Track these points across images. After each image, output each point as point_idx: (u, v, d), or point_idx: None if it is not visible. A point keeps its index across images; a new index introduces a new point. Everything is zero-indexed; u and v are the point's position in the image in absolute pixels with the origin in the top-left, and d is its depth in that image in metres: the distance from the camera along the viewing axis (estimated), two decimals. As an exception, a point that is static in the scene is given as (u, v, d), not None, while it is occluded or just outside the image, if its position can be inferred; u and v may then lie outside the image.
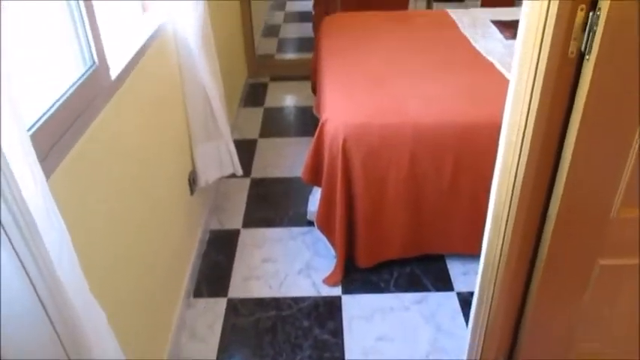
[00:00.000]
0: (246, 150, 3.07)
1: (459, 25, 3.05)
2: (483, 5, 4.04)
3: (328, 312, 2.03)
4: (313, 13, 4.38)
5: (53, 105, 1.09)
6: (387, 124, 2.01)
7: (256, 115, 3.55)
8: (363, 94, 2.21)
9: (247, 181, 2.82)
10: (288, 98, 3.82)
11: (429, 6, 4.03)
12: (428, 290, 2.12)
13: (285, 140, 3.23)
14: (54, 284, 0.82)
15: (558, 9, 1.03)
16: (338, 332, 1.95)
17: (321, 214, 2.13)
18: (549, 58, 1.08)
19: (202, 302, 2.08)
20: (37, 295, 0.81)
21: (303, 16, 5.31)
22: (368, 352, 1.87)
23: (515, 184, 1.29)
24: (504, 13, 3.25)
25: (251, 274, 2.21)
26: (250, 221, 2.53)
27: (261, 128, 3.38)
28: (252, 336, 1.94)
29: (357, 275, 2.19)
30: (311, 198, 2.49)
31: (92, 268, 1.22)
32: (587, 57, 1.06)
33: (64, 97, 1.13)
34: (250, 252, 2.33)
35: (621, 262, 1.33)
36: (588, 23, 1.04)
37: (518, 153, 1.24)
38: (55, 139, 1.07)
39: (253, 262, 2.27)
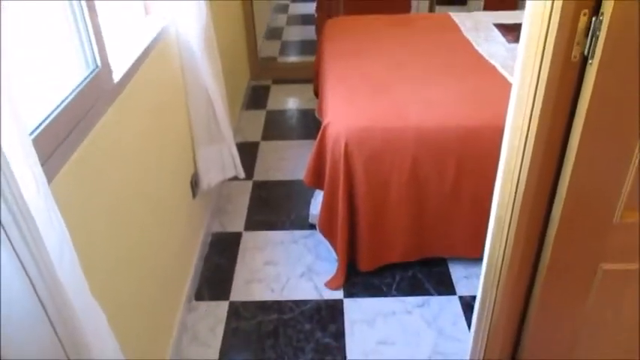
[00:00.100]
0: (248, 153, 3.07)
1: (462, 28, 3.05)
2: (486, 8, 4.04)
3: (330, 315, 2.02)
4: (316, 16, 4.39)
5: (56, 108, 1.09)
6: (389, 128, 2.00)
7: (258, 117, 3.55)
8: (365, 98, 2.21)
9: (249, 184, 2.82)
10: (290, 101, 3.83)
11: (431, 9, 4.03)
12: (430, 294, 2.11)
13: (288, 143, 3.23)
14: (54, 285, 0.82)
15: (561, 13, 1.03)
16: (340, 336, 1.94)
17: (323, 217, 2.13)
18: (552, 63, 1.08)
19: (204, 305, 2.08)
20: (38, 296, 0.81)
21: (305, 19, 5.31)
22: (369, 355, 1.87)
23: (518, 189, 1.28)
24: (507, 17, 3.25)
25: (253, 277, 2.21)
26: (252, 224, 2.53)
27: (263, 131, 3.38)
28: (254, 339, 1.93)
29: (358, 279, 2.18)
30: (313, 201, 2.49)
31: (94, 270, 1.22)
32: (590, 61, 1.06)
33: (67, 100, 1.13)
34: (252, 255, 2.33)
35: (624, 266, 1.32)
36: (591, 28, 1.04)
37: (520, 157, 1.24)
38: (57, 141, 1.07)
39: (255, 265, 2.27)
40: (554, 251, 1.31)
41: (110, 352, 0.98)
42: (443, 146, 1.99)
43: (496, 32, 2.98)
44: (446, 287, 2.15)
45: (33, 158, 0.76)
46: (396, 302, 2.08)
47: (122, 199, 1.41)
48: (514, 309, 1.53)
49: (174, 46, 1.95)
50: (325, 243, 2.25)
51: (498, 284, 1.50)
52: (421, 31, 3.08)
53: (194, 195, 2.19)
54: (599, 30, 1.02)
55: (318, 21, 4.27)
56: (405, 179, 2.01)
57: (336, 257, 2.19)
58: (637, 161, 1.16)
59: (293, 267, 2.26)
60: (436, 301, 2.08)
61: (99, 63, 1.29)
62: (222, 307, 2.07)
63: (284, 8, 5.71)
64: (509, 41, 2.82)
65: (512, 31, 2.93)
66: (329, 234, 2.17)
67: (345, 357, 1.86)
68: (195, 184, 2.19)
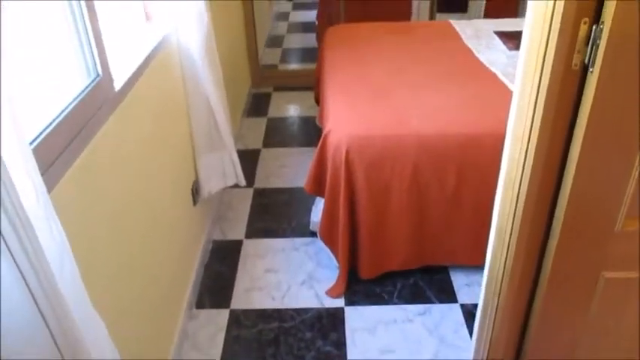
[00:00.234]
0: (249, 160, 3.07)
1: (462, 36, 3.06)
2: (486, 16, 4.05)
3: (331, 324, 2.02)
4: (317, 23, 4.41)
5: (57, 117, 1.09)
6: (390, 136, 2.00)
7: (259, 125, 3.56)
8: (366, 105, 2.21)
9: (250, 191, 2.82)
10: (291, 108, 3.83)
11: (432, 17, 4.05)
12: (431, 302, 2.11)
13: (288, 150, 3.23)
14: (54, 296, 0.81)
15: (561, 22, 1.03)
16: (341, 344, 1.93)
17: (324, 225, 2.13)
18: (553, 71, 1.08)
19: (205, 313, 2.07)
20: (37, 306, 0.81)
21: (306, 27, 5.33)
22: (371, 364, 1.86)
23: (519, 198, 1.28)
24: (507, 24, 3.26)
25: (253, 285, 2.21)
26: (253, 231, 2.52)
27: (264, 138, 3.38)
28: (255, 348, 1.93)
29: (360, 286, 2.18)
30: (314, 208, 2.49)
31: (94, 278, 1.21)
32: (590, 70, 1.06)
33: (68, 109, 1.13)
34: (253, 262, 2.33)
35: (626, 275, 1.32)
36: (592, 36, 1.04)
37: (521, 166, 1.24)
38: (59, 150, 1.07)
39: (256, 273, 2.27)
40: (555, 260, 1.31)
41: (110, 361, 0.98)
42: (443, 153, 1.99)
43: (497, 40, 2.98)
44: (447, 295, 2.14)
45: (33, 168, 0.76)
46: (398, 310, 2.07)
47: (123, 206, 1.41)
48: (515, 317, 1.53)
49: (176, 54, 1.96)
50: (326, 250, 2.24)
51: (500, 293, 1.50)
52: (422, 39, 3.09)
53: (195, 202, 2.19)
54: (600, 38, 1.02)
55: (318, 28, 4.28)
56: (406, 186, 2.01)
57: (337, 265, 2.18)
58: (638, 170, 1.16)
59: (294, 275, 2.25)
60: (437, 309, 2.07)
61: (100, 71, 1.30)
62: (222, 315, 2.06)
63: (285, 16, 5.74)
64: (509, 49, 2.82)
65: (512, 39, 2.93)
66: (330, 241, 2.17)
67: (346, 365, 1.86)
68: (195, 191, 2.19)
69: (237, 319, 2.04)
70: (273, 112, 3.75)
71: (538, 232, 1.34)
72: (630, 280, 1.33)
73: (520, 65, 1.16)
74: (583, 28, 1.04)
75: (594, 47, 1.04)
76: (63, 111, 1.12)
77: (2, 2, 0.90)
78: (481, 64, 2.62)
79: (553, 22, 1.05)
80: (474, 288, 2.16)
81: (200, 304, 2.12)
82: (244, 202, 2.74)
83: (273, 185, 2.88)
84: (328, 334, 1.97)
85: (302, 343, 1.94)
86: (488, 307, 1.57)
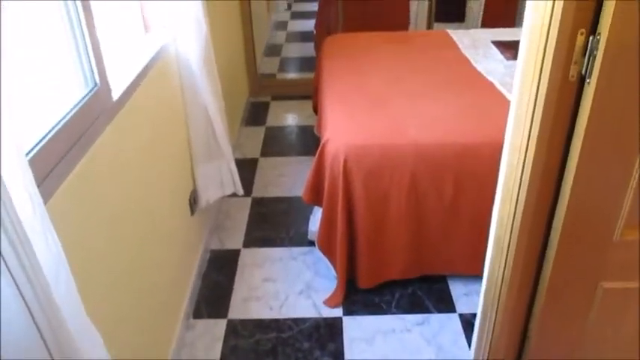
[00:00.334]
0: (247, 169, 3.07)
1: (460, 45, 3.07)
2: (484, 26, 4.07)
3: (329, 334, 2.01)
4: (315, 33, 4.42)
5: (54, 127, 1.09)
6: (388, 145, 2.01)
7: (258, 134, 3.56)
8: (364, 115, 2.22)
9: (248, 200, 2.81)
10: (289, 117, 3.84)
11: (429, 26, 4.07)
12: (430, 312, 2.10)
13: (287, 159, 3.23)
14: (50, 308, 0.81)
15: (558, 33, 1.03)
16: (339, 354, 1.92)
17: (322, 234, 2.12)
18: (550, 82, 1.08)
19: (202, 323, 2.06)
20: (33, 318, 0.80)
21: (304, 36, 5.35)
22: (369, 375, 1.85)
23: (517, 207, 1.28)
24: (505, 34, 3.27)
25: (251, 294, 2.20)
26: (251, 241, 2.52)
27: (262, 147, 3.38)
28: (252, 358, 1.91)
29: (358, 296, 2.17)
30: (312, 218, 2.49)
31: (92, 288, 1.21)
32: (587, 81, 1.06)
33: (66, 119, 1.13)
34: (251, 272, 2.32)
35: (624, 285, 1.32)
36: (588, 47, 1.04)
37: (519, 176, 1.24)
38: (56, 160, 1.07)
39: (254, 283, 2.26)
40: (554, 270, 1.31)
41: (106, 373, 0.97)
42: (441, 163, 1.99)
43: (494, 49, 2.99)
44: (446, 305, 2.13)
45: (29, 179, 0.76)
46: (396, 320, 2.06)
47: (120, 216, 1.41)
48: (514, 327, 1.52)
49: (174, 63, 1.96)
50: (324, 260, 2.24)
51: (498, 303, 1.49)
52: (419, 49, 3.10)
53: (192, 212, 2.18)
54: (597, 49, 1.03)
55: (317, 38, 4.30)
56: (404, 196, 2.01)
57: (335, 274, 2.17)
58: (636, 179, 1.16)
59: (292, 284, 2.24)
60: (436, 319, 2.06)
61: (98, 81, 1.30)
62: (220, 325, 2.05)
63: (283, 25, 5.76)
64: (507, 58, 2.83)
65: (510, 49, 2.94)
66: (328, 251, 2.16)
67: (344, 376, 1.85)
68: (193, 201, 2.18)
69: (235, 329, 2.03)
70: (271, 121, 3.75)
71: (536, 242, 1.34)
72: (629, 290, 1.33)
73: (517, 76, 1.17)
74: (580, 39, 1.05)
75: (591, 58, 1.04)
76: (60, 121, 1.12)
77: (2, 2, 0.90)
78: (478, 73, 2.63)
79: (550, 33, 1.05)
80: (473, 297, 2.15)
81: (197, 314, 2.11)
82: (242, 211, 2.73)
83: (271, 194, 2.88)
84: (326, 344, 1.96)
85: (300, 354, 1.92)
86: (486, 317, 1.57)
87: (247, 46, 3.87)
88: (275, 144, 3.44)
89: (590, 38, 1.04)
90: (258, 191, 2.90)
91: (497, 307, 1.51)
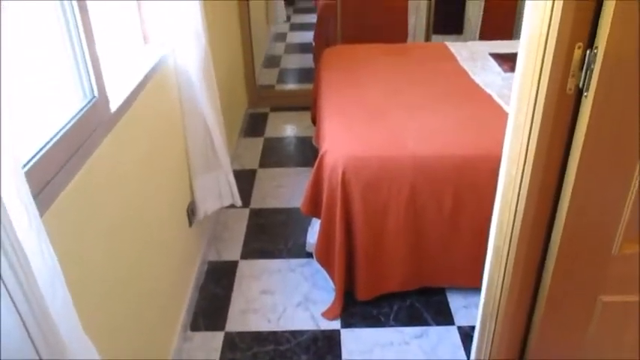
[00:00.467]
0: (245, 180, 3.07)
1: (458, 57, 3.08)
2: (482, 38, 4.09)
3: (327, 346, 1.99)
4: (314, 44, 4.44)
5: (52, 138, 1.09)
6: (387, 156, 2.01)
7: (256, 145, 3.56)
8: (362, 126, 2.22)
9: (246, 212, 2.81)
10: (288, 128, 3.84)
11: (427, 38, 4.09)
12: (428, 324, 2.09)
13: (285, 170, 3.23)
14: (45, 322, 0.80)
15: (555, 47, 1.04)
16: (337, 367, 1.91)
17: (320, 246, 2.12)
18: (547, 95, 1.08)
19: (199, 335, 2.05)
20: (28, 332, 0.80)
21: (303, 48, 5.37)
22: (367, 388, 1.84)
23: (516, 219, 1.28)
24: (503, 46, 3.29)
25: (249, 306, 2.18)
26: (249, 252, 2.51)
27: (260, 158, 3.38)
28: (250, 371, 1.90)
29: (356, 308, 2.16)
30: (310, 229, 2.48)
31: (88, 300, 1.20)
32: (585, 94, 1.07)
33: (63, 131, 1.13)
34: (248, 284, 2.31)
35: (624, 298, 1.31)
36: (586, 61, 1.05)
37: (518, 188, 1.24)
38: (53, 172, 1.06)
39: (251, 295, 2.24)
40: (553, 283, 1.30)
41: (101, 388, 0.96)
42: (440, 175, 1.99)
43: (492, 62, 3.01)
44: (444, 317, 2.12)
45: (25, 192, 0.76)
46: (394, 333, 2.05)
47: (117, 228, 1.40)
48: (513, 340, 1.51)
49: (173, 75, 1.96)
50: (322, 272, 2.23)
51: (497, 315, 1.48)
52: (418, 61, 3.11)
53: (190, 223, 2.18)
54: (594, 63, 1.03)
55: (315, 49, 4.32)
56: (403, 208, 2.00)
57: (333, 286, 2.16)
58: (635, 193, 1.16)
59: (290, 296, 2.23)
60: (434, 332, 2.05)
61: (96, 93, 1.30)
62: (217, 338, 2.03)
63: (282, 37, 5.78)
64: (505, 70, 2.84)
65: (507, 61, 2.96)
66: (326, 263, 2.15)
67: (342, 389, 1.83)
68: (191, 212, 2.18)
69: (232, 341, 2.02)
70: (269, 132, 3.76)
71: (535, 253, 1.33)
72: (628, 304, 1.32)
73: (515, 89, 1.17)
74: (577, 53, 1.05)
75: (588, 72, 1.05)
76: (58, 132, 1.12)
77: (2, 2, 0.91)
78: (477, 85, 2.64)
79: (547, 46, 1.05)
80: (472, 310, 2.14)
81: (195, 326, 2.09)
82: (240, 222, 2.73)
83: (270, 205, 2.87)
84: (324, 357, 1.95)
85: (298, 367, 1.91)
86: (485, 330, 1.56)
87: (246, 57, 3.88)
88: (273, 155, 3.44)
89: (588, 52, 1.05)
90: (256, 202, 2.90)
91: (497, 318, 1.50)
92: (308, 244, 2.44)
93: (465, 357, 1.94)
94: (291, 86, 4.71)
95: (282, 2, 5.55)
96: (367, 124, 2.24)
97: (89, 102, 1.26)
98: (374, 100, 2.48)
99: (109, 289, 1.34)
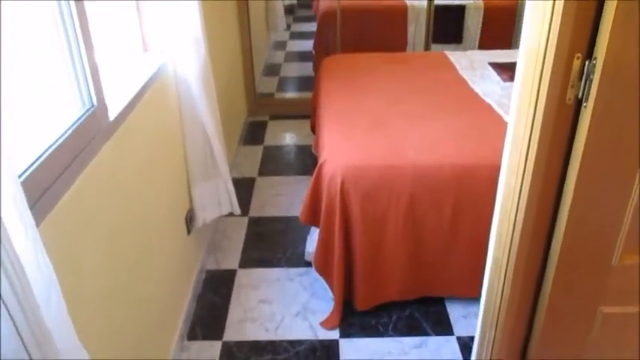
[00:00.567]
0: (244, 188, 3.06)
1: (457, 66, 3.09)
2: (481, 47, 4.11)
3: (325, 357, 1.98)
4: (314, 53, 4.45)
5: (50, 147, 1.09)
6: (386, 166, 2.00)
7: (255, 153, 3.56)
8: (361, 135, 2.22)
9: (245, 220, 2.80)
10: (287, 137, 3.84)
11: (427, 47, 4.10)
12: (427, 334, 2.07)
13: (284, 179, 3.23)
14: (40, 331, 0.80)
15: (554, 57, 1.04)
16: (335, 378, 1.90)
17: (319, 255, 2.11)
18: (547, 105, 1.08)
19: (197, 345, 2.03)
20: (22, 341, 0.79)
21: (303, 56, 5.39)
22: (366, 399, 1.82)
23: (515, 229, 1.27)
24: (502, 56, 3.30)
25: (247, 316, 2.17)
26: (247, 261, 2.50)
27: (260, 166, 3.38)
28: (247, 381, 1.89)
29: (355, 318, 2.14)
30: (309, 238, 2.47)
31: (85, 308, 1.20)
32: (584, 104, 1.06)
33: (61, 139, 1.12)
34: (247, 293, 2.29)
35: (624, 310, 1.30)
36: (585, 71, 1.05)
37: (517, 198, 1.24)
38: (51, 180, 1.06)
39: (249, 304, 2.23)
40: (552, 293, 1.29)
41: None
42: (440, 184, 1.99)
43: (491, 71, 3.01)
44: (443, 327, 2.11)
45: (21, 201, 0.75)
46: (393, 343, 2.04)
47: (116, 235, 1.40)
48: (513, 350, 1.50)
49: (172, 83, 1.96)
50: (321, 281, 2.22)
51: (497, 326, 1.48)
52: (417, 70, 3.12)
53: (189, 231, 2.17)
54: (593, 73, 1.03)
55: (315, 58, 4.33)
56: (402, 217, 2.00)
57: (332, 296, 2.15)
58: (635, 203, 1.16)
59: (288, 306, 2.22)
60: (434, 342, 2.04)
61: (95, 102, 1.30)
62: (215, 348, 2.02)
63: (282, 45, 5.80)
64: (504, 80, 2.85)
65: (507, 70, 2.96)
66: (325, 272, 2.14)
67: (340, 400, 1.82)
68: (190, 220, 2.17)
69: (230, 351, 2.00)
70: (269, 140, 3.76)
71: (535, 264, 1.32)
72: (629, 316, 1.31)
73: (514, 99, 1.17)
74: (576, 64, 1.05)
75: (587, 82, 1.05)
76: (56, 141, 1.12)
77: (2, 2, 0.91)
78: (476, 94, 2.64)
79: (546, 57, 1.05)
80: (471, 320, 2.13)
81: (192, 336, 2.08)
82: (239, 230, 2.72)
83: (269, 214, 2.86)
84: (322, 368, 1.93)
85: (296, 377, 1.90)
86: (485, 340, 1.55)
87: (246, 65, 3.89)
88: (273, 163, 3.44)
89: (587, 62, 1.05)
90: (255, 211, 2.89)
91: (496, 329, 1.49)
92: (307, 253, 2.43)
93: (464, 367, 1.93)
94: (290, 94, 4.71)
95: (282, 11, 5.57)
96: (366, 133, 2.24)
97: (87, 110, 1.26)
98: (373, 109, 2.48)
99: (107, 297, 1.33)
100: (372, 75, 3.00)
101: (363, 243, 2.02)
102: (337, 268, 2.04)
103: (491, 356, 1.54)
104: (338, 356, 1.98)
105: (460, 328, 2.10)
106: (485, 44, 4.09)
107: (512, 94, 1.19)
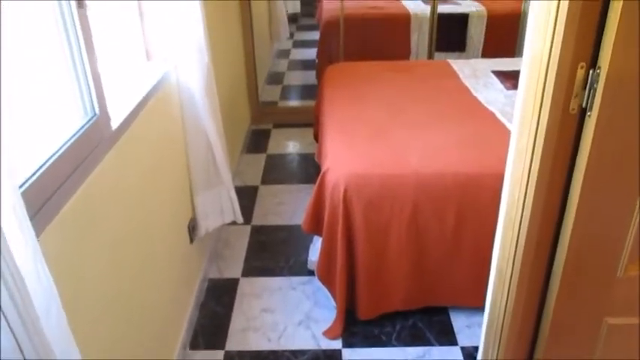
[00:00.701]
0: (247, 197, 3.06)
1: (460, 75, 3.09)
2: (484, 55, 4.11)
3: (328, 366, 1.97)
4: (317, 61, 4.46)
5: (51, 157, 1.09)
6: (389, 174, 2.00)
7: (258, 161, 3.56)
8: (364, 144, 2.21)
9: (248, 229, 2.79)
10: (290, 145, 3.84)
11: (430, 56, 4.10)
12: (431, 344, 2.06)
13: (287, 187, 3.22)
14: (39, 342, 0.79)
15: (558, 67, 1.03)
16: (338, 388, 1.88)
17: (322, 264, 2.10)
18: (550, 115, 1.08)
19: (199, 355, 2.02)
20: (22, 352, 0.78)
21: (306, 65, 5.39)
22: (369, 410, 1.80)
23: (519, 239, 1.26)
24: (505, 64, 3.29)
25: (249, 325, 2.16)
26: (250, 270, 2.49)
27: (263, 175, 3.38)
28: (249, 391, 1.87)
29: (358, 328, 2.13)
30: (312, 246, 2.46)
31: (87, 317, 1.19)
32: (588, 114, 1.06)
33: (63, 149, 1.12)
34: (249, 302, 2.28)
35: (630, 321, 1.29)
36: (589, 80, 1.04)
37: (521, 207, 1.23)
38: (53, 189, 1.06)
39: (252, 313, 2.22)
40: (557, 304, 1.28)
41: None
42: (443, 193, 1.98)
43: (494, 79, 3.01)
44: (447, 337, 2.09)
45: (21, 212, 0.75)
46: (397, 353, 2.02)
47: (118, 244, 1.39)
48: (517, 362, 1.49)
49: (175, 92, 1.97)
50: (324, 290, 2.21)
51: (500, 337, 1.46)
52: (420, 78, 3.12)
53: (191, 240, 2.16)
54: (597, 83, 1.02)
55: (318, 66, 4.33)
56: (405, 226, 1.99)
57: (334, 305, 2.14)
58: (639, 214, 1.15)
59: (291, 315, 2.21)
60: (437, 352, 2.02)
61: (97, 111, 1.30)
62: (217, 357, 2.01)
63: (285, 53, 5.81)
64: (507, 88, 2.84)
65: (510, 79, 2.96)
66: (327, 281, 2.13)
67: (343, 411, 1.80)
68: (192, 229, 2.16)
69: (232, 360, 1.99)
70: (272, 148, 3.76)
71: (539, 275, 1.31)
72: (635, 327, 1.30)
73: (517, 108, 1.16)
74: (580, 73, 1.04)
75: (591, 91, 1.04)
76: (58, 150, 1.11)
77: (2, 2, 0.91)
78: (479, 103, 2.64)
79: (550, 66, 1.05)
80: (475, 330, 2.11)
81: (194, 345, 2.07)
82: (241, 239, 2.71)
83: (271, 222, 2.86)
84: (325, 378, 1.92)
85: (298, 387, 1.88)
86: (489, 351, 1.53)
87: (249, 74, 3.90)
88: (275, 171, 3.43)
89: (590, 72, 1.04)
90: (257, 219, 2.88)
91: (500, 341, 1.48)
92: (310, 262, 2.42)
93: (468, 378, 1.91)
94: (293, 103, 4.72)
95: (286, 19, 5.58)
96: (369, 141, 2.24)
97: (90, 120, 1.26)
98: (376, 118, 2.48)
99: (109, 306, 1.33)
100: (375, 83, 3.00)
101: (365, 252, 2.01)
102: (340, 276, 2.03)
103: (495, 367, 1.52)
104: (341, 366, 1.96)
105: (464, 338, 2.08)
106: (488, 52, 4.09)
107: (515, 103, 1.19)
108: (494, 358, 1.52)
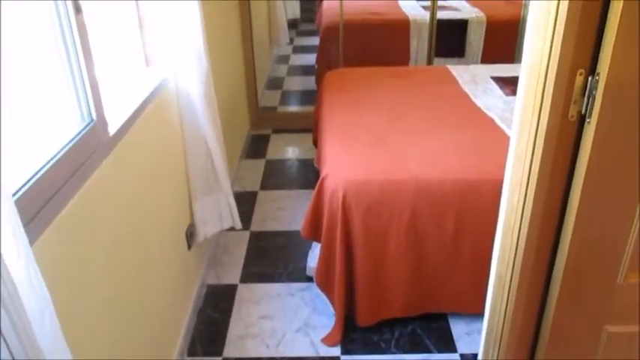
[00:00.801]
0: (246, 202, 3.05)
1: (459, 81, 3.09)
2: (484, 61, 4.11)
3: (326, 374, 1.95)
4: (316, 67, 4.46)
5: (48, 162, 1.08)
6: (388, 180, 1.99)
7: (257, 167, 3.55)
8: (363, 150, 2.21)
9: (247, 234, 2.78)
10: (289, 150, 3.84)
11: (429, 62, 4.10)
12: (430, 351, 2.04)
13: (286, 193, 3.21)
14: (33, 351, 0.78)
15: (557, 73, 1.03)
16: (336, 396, 1.87)
17: (320, 271, 2.09)
18: (549, 122, 1.07)
19: (196, 361, 2.01)
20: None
21: (306, 70, 5.40)
22: (367, 417, 1.79)
23: (519, 247, 1.26)
24: (504, 70, 3.29)
25: (247, 331, 2.15)
26: (248, 276, 2.48)
27: (262, 180, 3.37)
28: (247, 399, 1.86)
29: (356, 334, 2.12)
30: (311, 253, 2.45)
31: (83, 324, 1.18)
32: (587, 120, 1.05)
33: (60, 155, 1.12)
34: (247, 308, 2.27)
35: (630, 329, 1.28)
36: (588, 87, 1.04)
37: (520, 214, 1.22)
38: (49, 195, 1.05)
39: (250, 320, 2.21)
40: (557, 311, 1.27)
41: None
42: (442, 199, 1.97)
43: (493, 85, 3.01)
44: (446, 344, 2.08)
45: (15, 219, 0.74)
46: (395, 360, 2.01)
47: (115, 251, 1.39)
48: (517, 370, 1.48)
49: (174, 98, 1.96)
50: (323, 296, 2.19)
51: (500, 344, 1.45)
52: (419, 84, 3.12)
53: (190, 246, 2.16)
54: (596, 89, 1.02)
55: (318, 72, 4.33)
56: (404, 232, 1.98)
57: (333, 311, 2.13)
58: (639, 221, 1.14)
59: (289, 321, 2.19)
60: (436, 359, 2.01)
61: (94, 116, 1.29)
62: (215, 364, 2.00)
63: (285, 59, 5.82)
64: (506, 94, 2.84)
65: (509, 84, 2.96)
66: (326, 287, 2.12)
67: (341, 419, 1.79)
68: (190, 235, 2.16)
69: (230, 368, 1.98)
70: (271, 153, 3.75)
71: (539, 281, 1.30)
72: (635, 336, 1.29)
73: (516, 114, 1.16)
74: (579, 79, 1.04)
75: (590, 98, 1.03)
76: (54, 156, 1.11)
77: (2, 2, 0.90)
78: (478, 109, 2.64)
79: (548, 73, 1.04)
80: (474, 337, 2.10)
81: (192, 352, 2.05)
82: (240, 245, 2.70)
83: (270, 228, 2.85)
84: (324, 385, 1.91)
85: (296, 395, 1.87)
86: (488, 358, 1.52)
87: (249, 79, 3.90)
88: (275, 177, 3.43)
89: (590, 78, 1.04)
90: (256, 225, 2.87)
91: (499, 348, 1.47)
92: (308, 268, 2.41)
93: (467, 386, 1.90)
94: (293, 108, 4.72)
95: (285, 25, 5.59)
96: (368, 147, 2.23)
97: (87, 125, 1.26)
98: (375, 123, 2.48)
99: (106, 312, 1.32)
100: (375, 89, 3.00)
101: (364, 258, 2.00)
102: (339, 283, 2.02)
103: (495, 374, 1.51)
104: (339, 373, 1.95)
105: (463, 345, 2.07)
106: (487, 58, 4.08)
107: (514, 109, 1.18)
108: (494, 365, 1.51)
